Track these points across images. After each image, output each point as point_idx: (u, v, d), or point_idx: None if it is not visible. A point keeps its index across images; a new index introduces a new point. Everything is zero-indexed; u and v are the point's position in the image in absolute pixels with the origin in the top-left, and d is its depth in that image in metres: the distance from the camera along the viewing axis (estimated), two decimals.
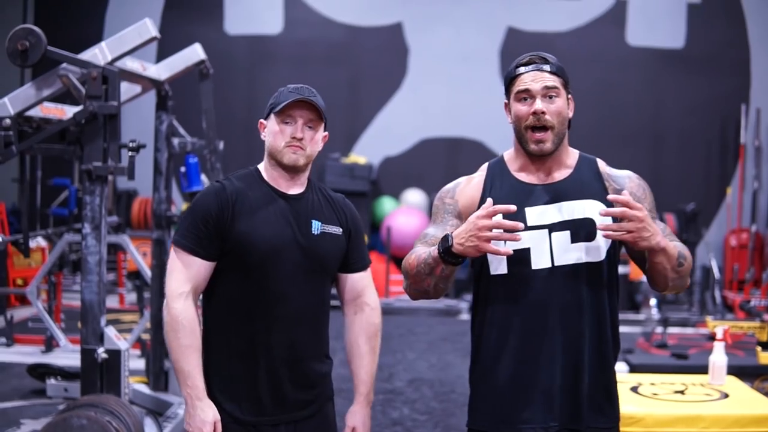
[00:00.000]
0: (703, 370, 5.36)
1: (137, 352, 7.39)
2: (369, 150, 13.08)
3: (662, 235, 2.74)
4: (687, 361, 7.66)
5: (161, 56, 7.34)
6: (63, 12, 13.26)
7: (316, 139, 3.07)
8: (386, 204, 12.86)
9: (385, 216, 12.55)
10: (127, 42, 5.05)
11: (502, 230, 2.69)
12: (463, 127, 13.07)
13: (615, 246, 2.91)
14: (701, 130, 13.04)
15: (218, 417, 2.95)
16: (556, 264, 2.86)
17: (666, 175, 12.98)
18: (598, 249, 2.87)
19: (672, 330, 9.28)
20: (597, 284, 2.89)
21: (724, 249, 12.81)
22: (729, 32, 12.99)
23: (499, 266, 2.90)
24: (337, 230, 3.14)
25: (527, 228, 2.85)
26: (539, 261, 2.87)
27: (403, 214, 12.32)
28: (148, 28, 5.08)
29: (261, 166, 3.14)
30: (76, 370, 5.86)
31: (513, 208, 2.70)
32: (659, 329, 8.91)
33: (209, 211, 2.98)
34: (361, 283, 3.26)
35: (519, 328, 2.88)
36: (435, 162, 13.03)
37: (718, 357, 5.05)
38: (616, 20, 13.11)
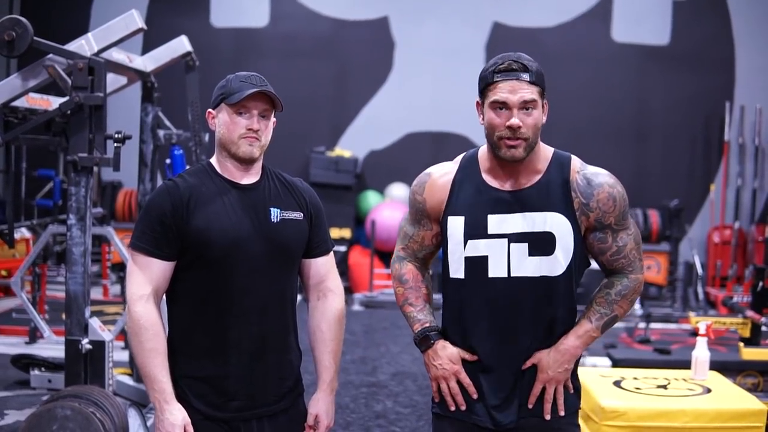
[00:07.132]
0: (685, 365, 5.40)
1: (121, 343, 7.38)
2: (354, 143, 13.06)
3: (571, 356, 2.92)
4: (670, 356, 7.70)
5: (147, 48, 7.33)
6: (50, 2, 13.19)
7: (269, 128, 3.02)
8: (371, 198, 12.85)
9: (369, 210, 12.53)
10: (113, 33, 5.04)
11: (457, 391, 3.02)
12: (448, 121, 13.05)
13: (577, 260, 2.90)
14: (686, 126, 13.06)
15: (188, 420, 2.90)
16: (512, 275, 2.87)
17: (650, 172, 13.02)
18: (555, 264, 2.86)
19: (655, 325, 9.32)
20: (551, 298, 2.89)
21: (707, 245, 12.84)
22: (714, 29, 12.99)
23: (457, 270, 2.92)
24: (298, 215, 3.07)
25: (487, 236, 2.87)
26: (496, 270, 2.87)
27: (388, 208, 12.30)
28: (135, 19, 5.08)
29: (213, 160, 3.07)
30: (60, 361, 5.85)
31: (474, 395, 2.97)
32: (642, 325, 8.96)
33: (164, 210, 2.92)
34: (324, 268, 3.19)
35: (471, 332, 2.93)
36: (420, 156, 12.95)
37: (701, 352, 5.09)
38: (601, 16, 13.11)
